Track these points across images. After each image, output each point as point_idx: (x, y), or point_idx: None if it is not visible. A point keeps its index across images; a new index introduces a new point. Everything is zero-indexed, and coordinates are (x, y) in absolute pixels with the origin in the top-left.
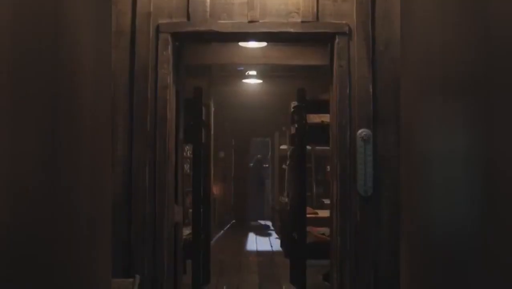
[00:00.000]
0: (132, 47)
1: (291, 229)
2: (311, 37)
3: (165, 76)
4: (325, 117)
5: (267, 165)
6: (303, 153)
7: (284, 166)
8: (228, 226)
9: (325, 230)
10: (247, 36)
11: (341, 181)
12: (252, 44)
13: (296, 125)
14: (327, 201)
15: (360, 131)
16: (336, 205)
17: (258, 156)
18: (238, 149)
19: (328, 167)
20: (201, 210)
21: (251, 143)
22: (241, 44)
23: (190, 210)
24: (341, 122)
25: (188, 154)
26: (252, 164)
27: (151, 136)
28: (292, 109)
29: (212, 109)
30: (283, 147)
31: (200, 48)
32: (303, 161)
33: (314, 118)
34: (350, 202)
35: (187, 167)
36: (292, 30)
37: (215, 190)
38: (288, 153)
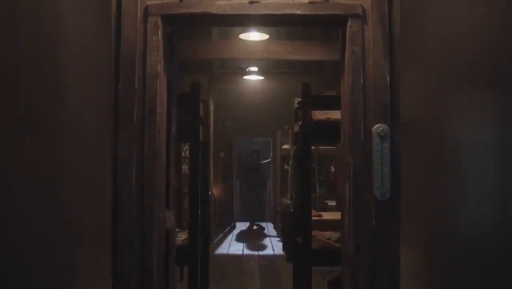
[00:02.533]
0: (117, 31)
1: (295, 232)
2: (320, 20)
3: (155, 64)
4: (332, 114)
5: (267, 160)
6: (307, 152)
7: (286, 166)
8: (228, 228)
9: (332, 234)
10: (247, 20)
11: (355, 183)
12: (254, 37)
13: (300, 123)
14: (331, 203)
15: (376, 126)
16: (348, 209)
17: (255, 147)
18: (239, 149)
19: (332, 167)
20: (199, 212)
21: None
22: (242, 37)
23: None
24: (354, 116)
25: (187, 153)
26: (248, 161)
27: (138, 131)
28: (296, 105)
29: (212, 107)
30: (285, 146)
31: (200, 43)
32: (308, 161)
33: (320, 115)
34: (365, 207)
35: (185, 167)
36: (298, 12)
37: (215, 191)
38: (291, 152)
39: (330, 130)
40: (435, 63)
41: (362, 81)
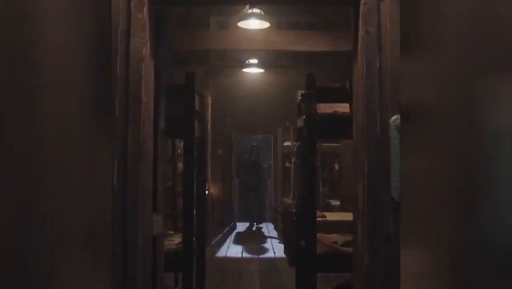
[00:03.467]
0: (97, 8)
1: (298, 235)
2: None
3: (140, 46)
4: (339, 107)
5: (266, 165)
6: (312, 149)
7: (287, 164)
8: (227, 228)
9: (337, 237)
10: None
11: (370, 182)
12: (253, 25)
13: (304, 117)
14: (334, 202)
15: (394, 118)
16: (362, 212)
17: (254, 144)
18: (239, 146)
19: (336, 165)
20: (194, 214)
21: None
22: (241, 25)
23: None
24: (368, 106)
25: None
26: (246, 158)
27: (120, 123)
28: (299, 98)
29: (210, 101)
30: (286, 143)
31: (197, 33)
32: (312, 158)
33: (325, 108)
34: (381, 209)
35: (182, 165)
36: None
37: (214, 190)
38: (294, 149)
39: (337, 125)
40: (458, 43)
41: (378, 65)
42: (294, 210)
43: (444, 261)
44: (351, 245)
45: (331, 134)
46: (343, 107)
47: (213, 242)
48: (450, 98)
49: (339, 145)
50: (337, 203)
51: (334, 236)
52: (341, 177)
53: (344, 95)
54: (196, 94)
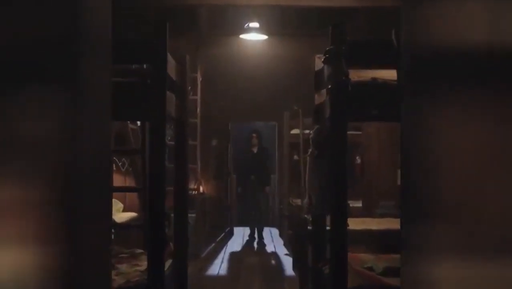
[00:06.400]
0: None
1: (316, 256)
2: None
3: None
4: (379, 73)
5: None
6: (340, 134)
7: (296, 157)
8: (222, 234)
9: (372, 260)
10: None
11: None
12: None
13: (330, 86)
14: (354, 204)
15: None
16: None
17: (255, 128)
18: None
19: (358, 158)
20: (164, 231)
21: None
22: None
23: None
24: None
25: (168, 138)
26: (244, 149)
27: None
28: (323, 58)
29: (200, 78)
30: (294, 131)
31: None
32: (341, 147)
33: (359, 75)
34: None
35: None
36: None
37: (206, 188)
38: (311, 136)
39: (379, 99)
40: None
41: None
42: (307, 215)
43: None
44: (396, 274)
45: (368, 114)
46: (390, 73)
47: (203, 254)
48: None
49: (360, 132)
50: (359, 204)
51: (367, 258)
52: (364, 172)
53: (390, 54)
54: (173, 60)
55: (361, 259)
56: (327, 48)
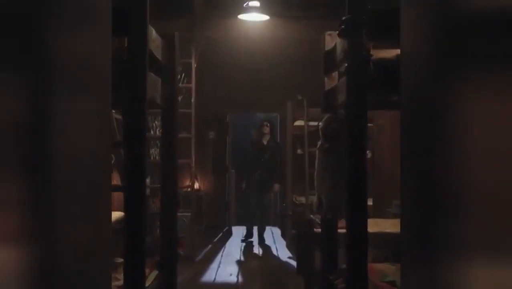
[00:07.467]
0: None
1: (326, 263)
2: None
3: None
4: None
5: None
6: (360, 122)
7: (299, 151)
8: (219, 235)
9: (388, 268)
10: None
11: None
12: None
13: (347, 65)
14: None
15: None
16: None
17: (264, 122)
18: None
19: (368, 152)
20: (143, 240)
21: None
22: None
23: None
24: None
25: (157, 131)
26: (254, 139)
27: None
28: (339, 30)
29: (194, 65)
30: (298, 122)
31: None
32: (361, 138)
33: (380, 52)
34: None
35: (155, 152)
36: None
37: (202, 185)
38: (321, 126)
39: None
40: None
41: None
42: (315, 216)
43: None
44: None
45: (392, 101)
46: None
47: (198, 257)
48: None
49: (370, 124)
50: (369, 203)
51: (388, 269)
52: (376, 167)
53: None
54: (158, 36)
55: (381, 270)
56: (343, 18)
